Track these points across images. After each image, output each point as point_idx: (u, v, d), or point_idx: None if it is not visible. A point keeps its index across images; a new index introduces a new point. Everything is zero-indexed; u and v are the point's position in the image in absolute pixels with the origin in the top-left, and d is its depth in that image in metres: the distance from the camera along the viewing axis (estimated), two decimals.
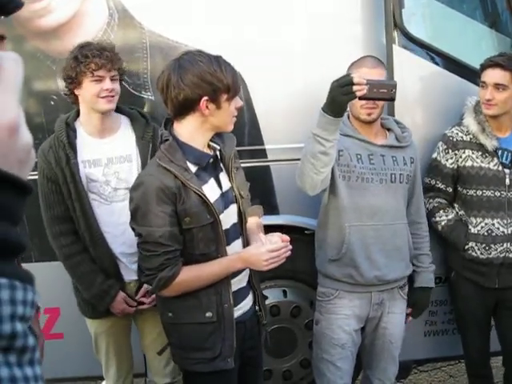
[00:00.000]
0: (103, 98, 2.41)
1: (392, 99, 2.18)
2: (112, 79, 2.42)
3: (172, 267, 2.00)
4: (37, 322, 2.07)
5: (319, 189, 2.37)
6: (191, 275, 2.03)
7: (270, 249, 2.02)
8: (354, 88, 2.05)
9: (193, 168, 2.04)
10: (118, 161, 2.53)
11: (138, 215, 2.00)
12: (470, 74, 3.03)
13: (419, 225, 2.72)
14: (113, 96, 2.43)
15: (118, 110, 2.60)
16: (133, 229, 2.06)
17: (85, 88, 2.42)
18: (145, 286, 2.54)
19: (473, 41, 3.29)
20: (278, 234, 2.10)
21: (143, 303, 2.58)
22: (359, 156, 2.46)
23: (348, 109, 2.57)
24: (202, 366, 2.12)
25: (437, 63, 3.02)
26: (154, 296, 2.52)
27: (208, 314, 2.08)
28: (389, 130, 2.59)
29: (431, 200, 2.91)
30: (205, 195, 2.01)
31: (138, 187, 2.01)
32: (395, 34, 2.89)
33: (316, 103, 2.86)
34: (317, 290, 2.71)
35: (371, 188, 2.48)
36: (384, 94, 2.14)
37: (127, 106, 2.66)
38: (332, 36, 2.92)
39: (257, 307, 2.30)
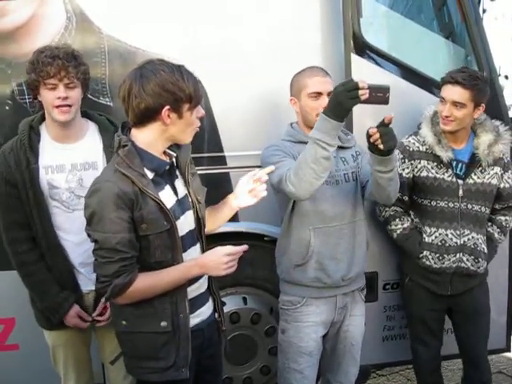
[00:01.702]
0: (57, 107, 2.34)
1: (387, 102, 2.20)
2: (68, 87, 2.35)
3: (128, 274, 1.97)
4: None
5: (313, 194, 2.37)
6: (147, 282, 2.01)
7: (228, 252, 2.02)
8: (360, 92, 2.09)
9: (150, 174, 2.02)
10: (82, 167, 2.47)
11: (94, 221, 1.96)
12: (426, 84, 3.11)
13: None
14: (68, 105, 2.35)
15: (86, 115, 2.54)
16: (88, 235, 2.02)
17: (42, 95, 2.37)
18: (102, 300, 2.48)
19: (429, 51, 3.36)
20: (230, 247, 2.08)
21: (99, 320, 2.52)
22: None
23: (298, 118, 2.61)
24: (155, 376, 2.09)
25: (394, 72, 3.07)
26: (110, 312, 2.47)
27: (163, 324, 2.04)
28: None
29: (387, 208, 2.95)
30: (162, 201, 2.00)
31: (94, 193, 1.97)
32: (353, 42, 2.93)
33: (275, 110, 2.92)
34: (280, 298, 2.71)
35: (329, 190, 2.52)
36: (381, 97, 2.17)
37: (95, 111, 2.61)
38: (291, 43, 2.95)
39: (216, 314, 2.29)
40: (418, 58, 3.15)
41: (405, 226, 2.93)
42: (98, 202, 1.94)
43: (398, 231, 2.93)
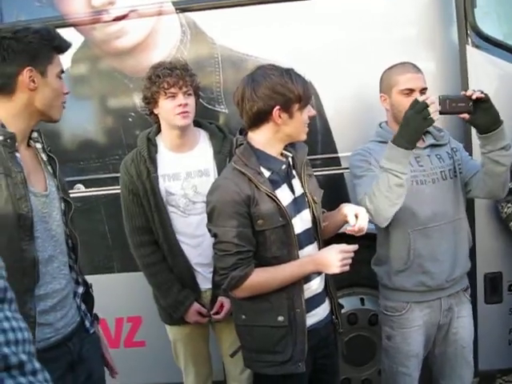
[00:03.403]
0: (178, 114, 2.49)
1: (470, 112, 2.27)
2: (185, 94, 2.50)
3: (244, 267, 2.05)
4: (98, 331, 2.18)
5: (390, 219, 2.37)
6: (263, 276, 2.07)
7: (342, 249, 2.03)
8: (430, 110, 2.17)
9: (266, 173, 2.11)
10: (196, 175, 2.60)
11: (214, 216, 2.08)
12: None
13: None
14: (187, 112, 2.50)
15: (197, 124, 2.67)
16: (209, 230, 2.13)
17: (161, 106, 2.52)
18: (219, 298, 2.61)
19: None
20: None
21: (217, 314, 2.63)
22: None
23: (388, 115, 2.57)
24: (272, 369, 2.15)
25: None
26: (227, 309, 2.58)
27: (280, 318, 2.10)
28: (426, 133, 2.54)
29: (510, 204, 2.81)
30: (277, 198, 2.07)
31: (214, 190, 2.10)
32: (468, 34, 2.83)
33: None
34: (381, 303, 2.67)
35: (426, 190, 2.47)
36: (463, 107, 2.25)
37: (205, 120, 2.73)
38: (404, 39, 2.91)
39: (333, 316, 2.30)
40: None
41: None
42: (217, 199, 2.06)
43: None
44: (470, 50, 2.84)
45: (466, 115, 2.27)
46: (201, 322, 2.65)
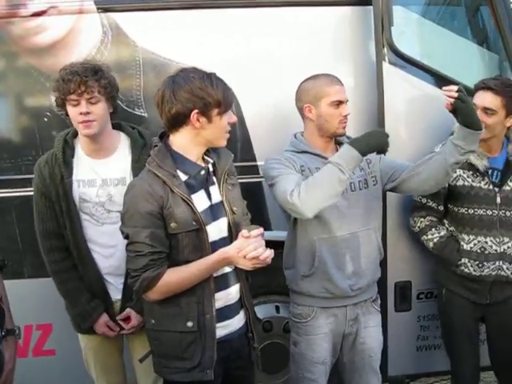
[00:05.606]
0: (80, 123, 2.36)
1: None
2: (90, 102, 2.34)
3: (156, 268, 2.04)
4: (14, 345, 2.11)
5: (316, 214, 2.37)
6: (174, 276, 2.05)
7: (245, 235, 2.00)
8: None
9: (183, 176, 2.10)
10: (112, 183, 2.49)
11: (126, 217, 2.07)
12: None
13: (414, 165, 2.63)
14: (90, 121, 2.35)
15: (119, 127, 2.56)
16: (122, 232, 2.10)
17: (68, 111, 2.40)
18: (127, 310, 2.53)
19: (463, 58, 3.33)
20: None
21: (123, 327, 2.55)
22: (318, 170, 2.47)
23: (309, 126, 2.59)
24: (179, 376, 2.14)
25: (427, 80, 3.05)
26: (134, 324, 2.52)
27: (189, 324, 2.09)
28: (340, 144, 2.61)
29: (422, 219, 2.92)
30: (191, 202, 2.06)
31: (129, 190, 2.10)
32: (385, 51, 2.93)
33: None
34: (290, 309, 2.71)
35: None
36: None
37: (128, 124, 2.62)
38: (321, 52, 2.97)
39: (248, 329, 2.29)
40: (451, 66, 3.12)
41: (441, 234, 2.88)
42: (130, 199, 2.06)
43: (435, 240, 2.88)
44: (387, 67, 2.94)
45: (448, 105, 2.37)
46: (109, 334, 2.57)
